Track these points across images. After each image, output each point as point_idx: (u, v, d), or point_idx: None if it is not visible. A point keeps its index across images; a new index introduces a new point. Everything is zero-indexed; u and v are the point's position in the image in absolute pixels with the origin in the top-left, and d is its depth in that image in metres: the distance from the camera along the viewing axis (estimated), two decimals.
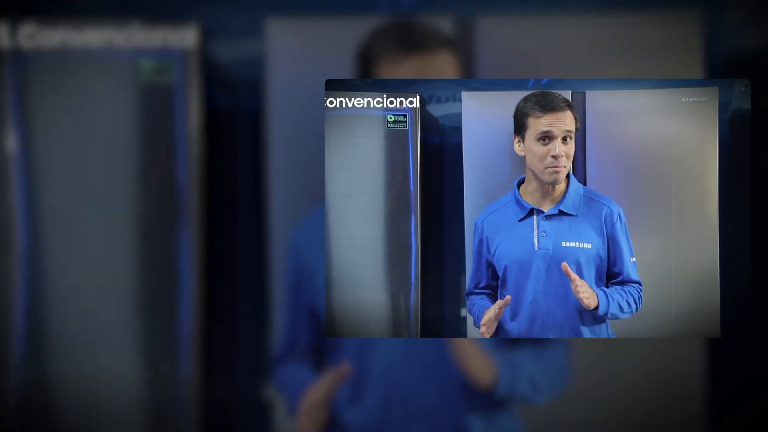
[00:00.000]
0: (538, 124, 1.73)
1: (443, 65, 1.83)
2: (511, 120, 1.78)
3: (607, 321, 1.76)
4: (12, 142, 2.62)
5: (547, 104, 1.73)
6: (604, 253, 1.74)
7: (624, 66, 2.64)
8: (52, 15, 2.69)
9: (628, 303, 1.73)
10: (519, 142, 1.76)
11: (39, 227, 2.65)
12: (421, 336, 2.04)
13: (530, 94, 1.76)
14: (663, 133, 2.02)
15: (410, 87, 2.04)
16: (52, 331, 2.65)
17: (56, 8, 2.85)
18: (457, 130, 2.12)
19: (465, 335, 2.10)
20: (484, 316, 1.71)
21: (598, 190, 1.82)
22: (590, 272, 1.73)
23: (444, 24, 2.59)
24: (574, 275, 1.67)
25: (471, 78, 2.52)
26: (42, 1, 2.85)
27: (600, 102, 2.02)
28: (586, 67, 2.61)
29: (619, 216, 1.75)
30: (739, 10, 3.09)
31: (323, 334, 1.99)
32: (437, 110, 2.19)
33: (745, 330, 2.06)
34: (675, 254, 2.02)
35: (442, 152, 2.19)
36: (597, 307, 1.68)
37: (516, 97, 1.79)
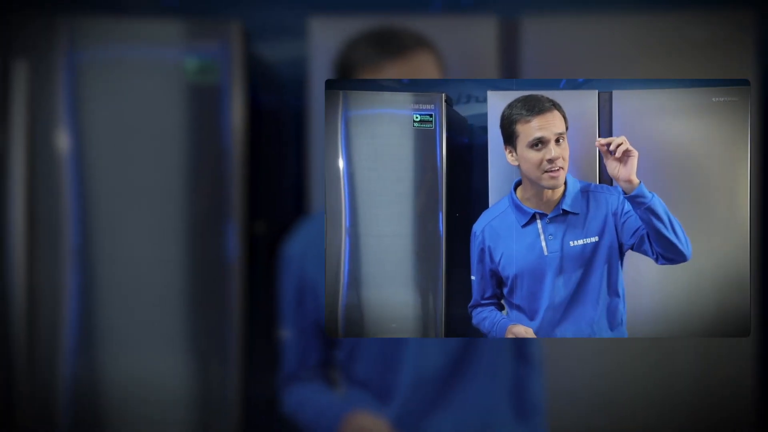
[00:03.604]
0: (528, 129, 1.68)
1: (421, 66, 1.70)
2: None
3: (623, 323, 1.72)
4: (64, 142, 2.66)
5: (533, 107, 1.68)
6: (615, 241, 1.69)
7: (667, 66, 2.59)
8: (99, 14, 2.73)
9: (674, 220, 1.62)
10: (511, 152, 1.71)
11: (90, 226, 2.68)
12: (445, 335, 2.02)
13: (513, 101, 1.71)
14: (693, 133, 1.99)
15: (437, 87, 2.02)
16: (102, 330, 2.68)
17: (104, 7, 2.89)
18: (485, 129, 2.11)
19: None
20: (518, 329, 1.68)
21: None
22: (601, 263, 1.68)
23: (488, 25, 2.57)
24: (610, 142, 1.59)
25: (514, 78, 2.51)
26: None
27: (629, 101, 2.00)
28: (624, 66, 2.57)
29: (619, 195, 1.70)
30: None
31: (331, 350, 1.86)
32: (464, 110, 2.18)
33: None
34: (704, 254, 1.98)
35: (470, 152, 2.17)
36: (638, 186, 1.59)
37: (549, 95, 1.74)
